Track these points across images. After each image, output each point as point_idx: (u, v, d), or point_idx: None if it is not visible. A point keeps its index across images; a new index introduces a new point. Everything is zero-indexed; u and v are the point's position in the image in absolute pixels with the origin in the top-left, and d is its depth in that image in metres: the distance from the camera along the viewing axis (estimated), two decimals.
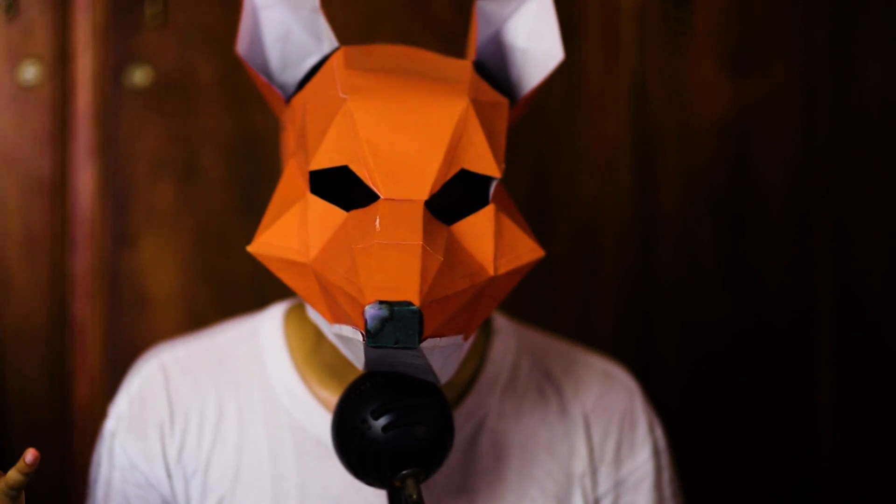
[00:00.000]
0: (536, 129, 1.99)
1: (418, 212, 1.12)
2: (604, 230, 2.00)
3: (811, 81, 2.03)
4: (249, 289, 1.90)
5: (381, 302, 1.06)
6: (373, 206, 1.14)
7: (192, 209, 1.91)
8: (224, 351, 1.38)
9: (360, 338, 1.10)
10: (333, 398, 1.33)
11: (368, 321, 1.06)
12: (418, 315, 1.06)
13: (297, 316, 1.38)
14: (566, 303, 2.01)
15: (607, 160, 2.01)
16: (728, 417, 2.04)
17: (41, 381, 1.87)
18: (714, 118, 2.02)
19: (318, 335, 1.34)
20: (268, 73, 1.29)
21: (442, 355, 1.14)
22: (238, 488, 1.33)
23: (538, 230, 2.00)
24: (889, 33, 2.04)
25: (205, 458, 1.34)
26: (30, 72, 1.86)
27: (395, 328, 1.06)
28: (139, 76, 1.89)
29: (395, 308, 1.06)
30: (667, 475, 1.42)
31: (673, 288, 2.02)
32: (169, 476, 1.35)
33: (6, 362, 1.87)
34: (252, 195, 1.92)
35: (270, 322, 1.39)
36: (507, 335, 1.41)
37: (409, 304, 1.06)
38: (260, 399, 1.35)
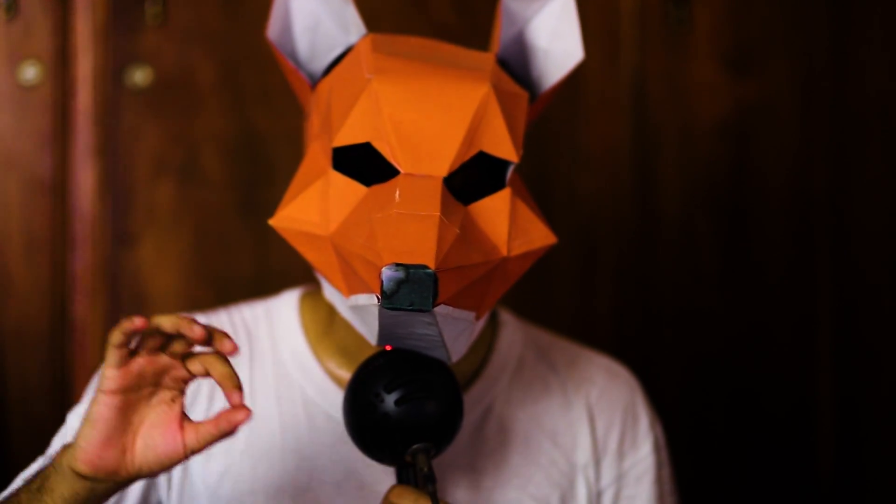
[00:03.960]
0: (536, 129, 1.99)
1: (437, 187, 1.16)
2: (604, 230, 2.01)
3: (811, 81, 2.04)
4: (249, 288, 1.90)
5: (397, 264, 1.09)
6: (393, 181, 1.17)
7: (192, 209, 1.91)
8: (239, 325, 1.41)
9: (376, 302, 1.13)
10: (344, 375, 1.36)
11: (385, 282, 1.09)
12: (433, 278, 1.09)
13: (310, 300, 1.41)
14: (566, 301, 2.01)
15: (607, 160, 2.01)
16: (727, 416, 2.04)
17: (41, 380, 1.87)
18: (714, 118, 2.02)
19: (331, 317, 1.37)
20: (296, 61, 1.32)
21: (454, 329, 1.17)
22: (247, 459, 1.35)
23: None
24: (889, 33, 2.04)
25: None
26: (30, 72, 1.86)
27: (410, 290, 1.09)
28: (139, 76, 1.89)
29: (411, 270, 1.09)
30: (666, 471, 1.45)
31: (672, 287, 2.02)
32: None
33: (7, 362, 1.87)
34: (252, 195, 1.92)
35: (285, 304, 1.42)
36: (514, 328, 1.44)
37: (425, 267, 1.09)
38: (272, 374, 1.38)
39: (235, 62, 1.91)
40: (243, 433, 1.35)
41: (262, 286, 1.88)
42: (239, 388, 1.11)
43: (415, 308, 1.09)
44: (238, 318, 1.42)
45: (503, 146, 1.21)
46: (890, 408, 2.06)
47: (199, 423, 1.13)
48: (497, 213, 1.20)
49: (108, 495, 1.15)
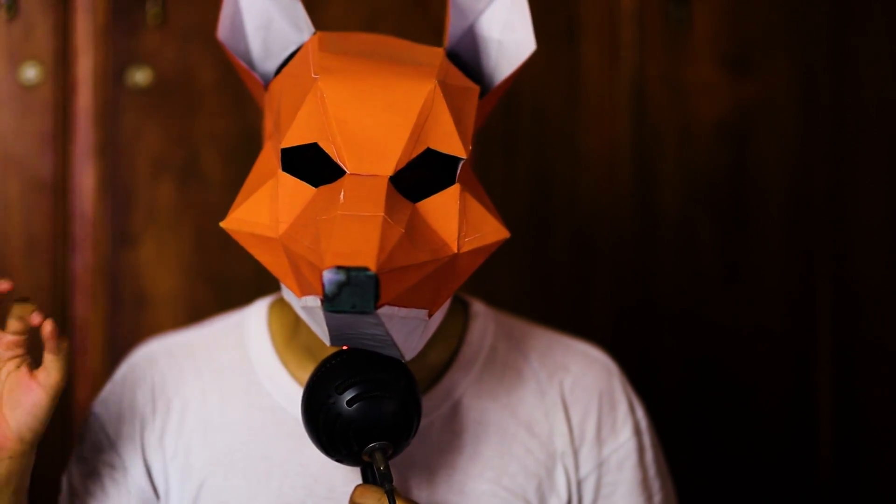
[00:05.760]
0: (536, 130, 2.00)
1: (382, 186, 1.15)
2: (604, 230, 2.01)
3: (811, 81, 2.04)
4: (249, 289, 1.90)
5: (338, 267, 1.08)
6: (339, 181, 1.17)
7: (193, 209, 1.91)
8: (210, 340, 1.42)
9: (321, 305, 1.13)
10: None
11: (326, 285, 1.08)
12: (374, 280, 1.08)
13: (279, 306, 1.42)
14: (565, 302, 2.01)
15: (607, 160, 2.01)
16: (726, 416, 2.04)
17: None
18: (713, 118, 2.02)
19: (297, 320, 1.37)
20: (249, 61, 1.32)
21: (404, 328, 1.17)
22: (220, 470, 1.35)
23: (538, 230, 2.01)
24: (889, 33, 2.04)
25: (185, 442, 1.37)
26: (30, 72, 1.86)
27: (351, 292, 1.08)
28: (139, 76, 1.89)
29: (352, 273, 1.08)
30: (650, 455, 1.43)
31: (672, 287, 2.02)
32: (146, 463, 1.37)
33: None
34: None
35: (255, 313, 1.43)
36: (486, 319, 1.43)
37: (366, 269, 1.08)
38: (243, 384, 1.38)
39: None
40: (216, 444, 1.36)
41: (262, 286, 1.87)
42: (34, 309, 1.19)
43: (357, 310, 1.09)
44: (208, 331, 1.43)
45: (451, 142, 1.20)
46: (890, 408, 2.06)
47: (42, 365, 1.21)
48: (447, 209, 1.19)
49: (14, 476, 1.22)
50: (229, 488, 1.34)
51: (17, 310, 1.20)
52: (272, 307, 1.42)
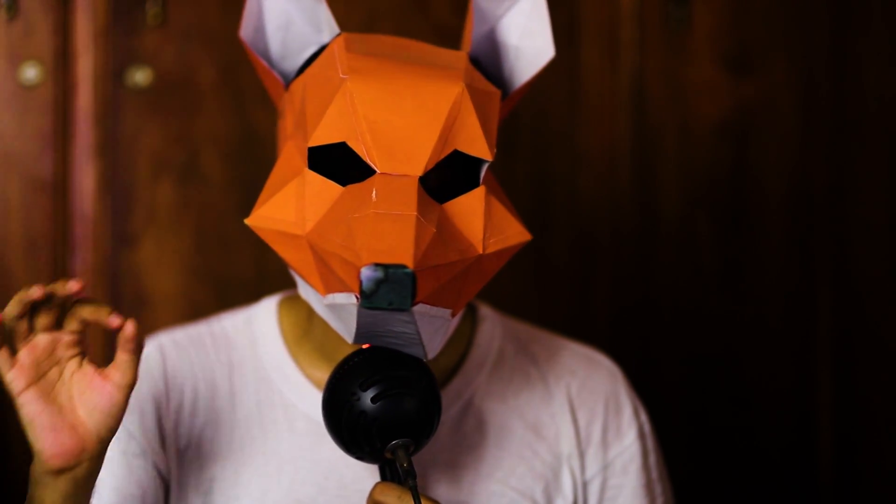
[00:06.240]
0: (536, 129, 2.00)
1: (413, 186, 1.16)
2: (604, 230, 2.01)
3: (811, 81, 2.04)
4: (249, 288, 1.90)
5: (376, 264, 1.10)
6: (369, 181, 1.18)
7: (193, 209, 1.91)
8: (219, 336, 1.42)
9: (354, 301, 1.14)
10: (323, 377, 1.35)
11: (364, 282, 1.09)
12: (412, 277, 1.10)
13: (289, 304, 1.42)
14: (565, 302, 2.01)
15: (607, 160, 2.01)
16: (726, 416, 2.04)
17: None
18: (714, 118, 2.02)
19: (309, 319, 1.37)
20: (268, 60, 1.33)
21: (431, 327, 1.17)
22: (230, 465, 1.36)
23: (538, 230, 2.00)
24: (888, 33, 2.04)
25: (197, 434, 1.37)
26: (31, 72, 1.86)
27: (389, 289, 1.10)
28: (139, 76, 1.89)
29: (390, 270, 1.09)
30: (653, 458, 1.44)
31: (672, 287, 2.02)
32: (164, 449, 1.37)
33: None
34: (252, 195, 1.90)
35: (264, 310, 1.43)
36: (493, 322, 1.44)
37: (404, 267, 1.10)
38: (253, 380, 1.38)
39: (235, 62, 1.91)
40: (226, 439, 1.36)
41: (262, 286, 1.88)
42: (110, 311, 1.15)
43: (394, 307, 1.10)
44: (218, 328, 1.43)
45: (477, 145, 1.21)
46: (890, 407, 2.06)
47: (112, 364, 1.17)
48: (472, 211, 1.20)
49: (92, 477, 1.19)
50: (240, 483, 1.35)
51: (89, 312, 1.15)
52: (282, 305, 1.43)
